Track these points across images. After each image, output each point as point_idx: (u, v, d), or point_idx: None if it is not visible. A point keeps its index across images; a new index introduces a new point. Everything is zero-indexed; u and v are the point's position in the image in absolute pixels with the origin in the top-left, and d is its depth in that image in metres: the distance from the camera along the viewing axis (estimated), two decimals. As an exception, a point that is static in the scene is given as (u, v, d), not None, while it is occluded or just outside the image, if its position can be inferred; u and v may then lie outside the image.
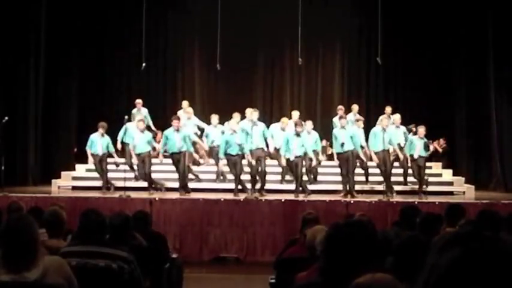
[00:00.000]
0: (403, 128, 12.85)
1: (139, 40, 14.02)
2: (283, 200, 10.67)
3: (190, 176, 12.35)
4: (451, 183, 12.95)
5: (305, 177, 11.92)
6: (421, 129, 11.93)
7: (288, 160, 11.35)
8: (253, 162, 11.47)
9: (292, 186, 11.56)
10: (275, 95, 16.34)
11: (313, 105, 16.21)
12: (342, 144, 11.47)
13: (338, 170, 11.78)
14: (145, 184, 11.79)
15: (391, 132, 12.02)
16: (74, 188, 12.68)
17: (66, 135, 14.74)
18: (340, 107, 13.41)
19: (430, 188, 12.06)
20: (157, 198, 10.69)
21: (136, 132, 11.75)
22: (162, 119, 14.14)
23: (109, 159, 12.00)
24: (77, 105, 14.94)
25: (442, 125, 14.60)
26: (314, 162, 12.05)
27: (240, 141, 11.33)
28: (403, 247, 3.00)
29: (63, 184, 12.83)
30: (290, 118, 13.04)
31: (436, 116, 14.70)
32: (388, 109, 13.52)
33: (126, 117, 12.46)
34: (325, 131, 13.83)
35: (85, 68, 15.14)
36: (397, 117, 12.83)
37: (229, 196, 11.11)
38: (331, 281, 2.39)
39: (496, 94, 14.03)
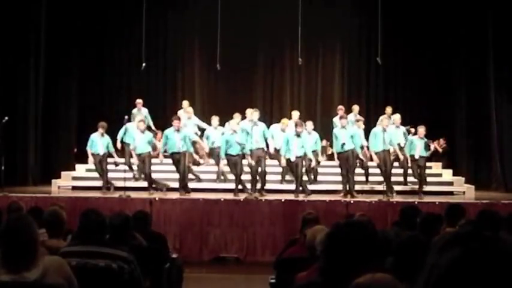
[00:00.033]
0: (403, 128, 12.85)
1: (139, 40, 14.02)
2: (283, 200, 10.68)
3: (190, 176, 12.35)
4: (451, 183, 12.95)
5: (305, 178, 11.93)
6: (421, 129, 11.92)
7: (288, 160, 11.35)
8: (253, 162, 11.47)
9: (292, 186, 11.56)
10: (275, 95, 16.34)
11: (313, 105, 16.21)
12: (343, 145, 11.49)
13: (338, 170, 11.79)
14: (145, 184, 11.79)
15: (391, 132, 12.02)
16: (74, 188, 12.68)
17: (66, 135, 14.74)
18: (340, 107, 13.42)
19: (430, 188, 12.07)
20: (157, 198, 10.69)
21: (136, 132, 11.75)
22: (162, 119, 14.15)
23: (109, 159, 12.00)
24: (77, 105, 14.94)
25: (442, 125, 14.61)
26: (313, 163, 12.04)
27: (240, 140, 11.34)
28: (403, 247, 3.00)
29: (63, 184, 12.83)
30: (290, 118, 13.05)
31: (436, 116, 14.71)
32: (389, 109, 13.54)
33: (126, 117, 12.46)
34: (325, 131, 13.83)
35: (85, 68, 15.14)
36: (397, 117, 12.83)
37: (229, 196, 11.11)
38: (331, 281, 2.38)
39: (496, 94, 14.04)
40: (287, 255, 5.23)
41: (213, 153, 12.67)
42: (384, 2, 13.99)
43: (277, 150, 12.20)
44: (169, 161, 11.68)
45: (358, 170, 12.17)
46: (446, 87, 15.29)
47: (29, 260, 3.03)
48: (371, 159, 12.01)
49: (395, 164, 12.29)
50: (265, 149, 12.21)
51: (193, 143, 12.37)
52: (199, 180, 12.62)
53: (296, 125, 11.63)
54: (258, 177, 11.59)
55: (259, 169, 11.59)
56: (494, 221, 4.91)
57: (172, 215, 10.43)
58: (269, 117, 14.89)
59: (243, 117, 12.57)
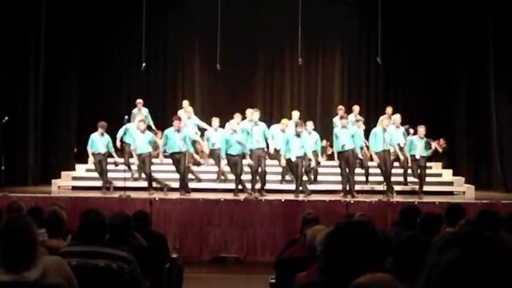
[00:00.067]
0: (403, 128, 12.86)
1: (140, 40, 14.02)
2: (283, 200, 10.68)
3: (191, 176, 12.35)
4: (451, 183, 12.96)
5: (305, 178, 11.92)
6: (421, 129, 11.92)
7: (288, 160, 11.35)
8: (253, 163, 11.47)
9: (292, 186, 11.56)
10: (275, 95, 16.34)
11: (313, 105, 16.21)
12: (343, 145, 11.49)
13: (338, 170, 11.79)
14: (145, 184, 11.79)
15: (391, 132, 12.03)
16: (74, 188, 12.68)
17: (66, 135, 14.75)
18: (340, 107, 13.42)
19: (430, 188, 12.08)
20: (157, 198, 10.69)
21: (137, 132, 11.75)
22: (162, 119, 14.15)
23: (109, 159, 12.01)
24: (77, 105, 14.95)
25: (442, 125, 14.61)
26: (313, 163, 12.04)
27: (240, 139, 11.34)
28: (403, 247, 3.00)
29: (63, 184, 12.83)
30: (290, 118, 13.05)
31: (436, 116, 14.70)
32: (389, 109, 13.55)
33: (126, 117, 12.46)
34: (325, 131, 13.84)
35: (85, 68, 15.14)
36: (397, 117, 12.84)
37: (229, 196, 11.11)
38: (331, 281, 2.38)
39: (496, 94, 14.04)
40: (287, 255, 5.23)
41: (213, 155, 12.67)
42: (383, 2, 14.00)
43: (277, 151, 12.20)
44: (169, 161, 11.68)
45: (358, 170, 12.18)
46: (446, 87, 15.29)
47: (28, 260, 3.03)
48: (371, 159, 12.01)
49: (396, 164, 12.29)
50: (266, 149, 12.22)
51: (194, 142, 12.37)
52: (199, 180, 12.62)
53: (296, 125, 11.62)
54: (258, 177, 11.60)
55: (259, 169, 11.59)
56: (494, 221, 4.91)
57: (172, 215, 10.43)
58: (269, 118, 14.88)
59: (243, 117, 12.57)
